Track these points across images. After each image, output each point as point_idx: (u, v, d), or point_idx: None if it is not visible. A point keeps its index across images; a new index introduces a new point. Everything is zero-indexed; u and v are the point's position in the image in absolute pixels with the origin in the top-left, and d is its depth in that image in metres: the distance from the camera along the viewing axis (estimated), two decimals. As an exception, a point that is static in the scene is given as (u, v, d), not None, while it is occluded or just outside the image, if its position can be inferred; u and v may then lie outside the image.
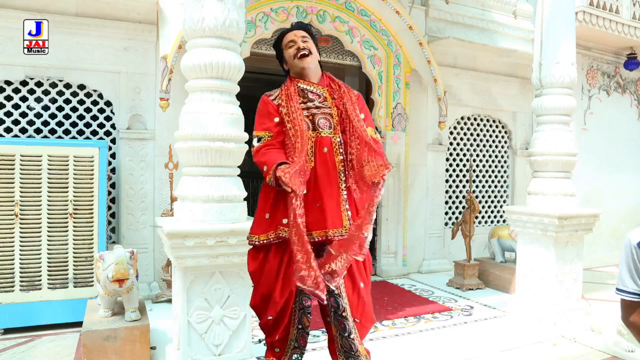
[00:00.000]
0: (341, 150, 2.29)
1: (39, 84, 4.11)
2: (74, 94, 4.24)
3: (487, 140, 6.41)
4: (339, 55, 5.25)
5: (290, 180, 2.02)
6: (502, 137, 6.53)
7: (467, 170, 6.10)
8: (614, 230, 6.69)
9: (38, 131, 4.10)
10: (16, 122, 4.02)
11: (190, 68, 2.53)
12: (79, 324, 3.12)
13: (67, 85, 4.21)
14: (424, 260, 5.76)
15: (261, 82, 7.78)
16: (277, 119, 2.28)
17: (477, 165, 6.32)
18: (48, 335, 3.38)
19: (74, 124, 4.23)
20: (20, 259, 3.40)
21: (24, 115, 4.06)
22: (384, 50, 5.33)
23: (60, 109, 4.19)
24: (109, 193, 4.24)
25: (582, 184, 5.92)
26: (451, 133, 6.10)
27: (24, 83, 4.06)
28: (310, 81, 2.37)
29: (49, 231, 3.46)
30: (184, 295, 2.42)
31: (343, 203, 2.28)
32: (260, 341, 3.23)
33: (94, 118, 4.32)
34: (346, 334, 2.32)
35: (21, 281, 3.40)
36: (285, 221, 2.25)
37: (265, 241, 2.24)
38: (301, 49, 2.31)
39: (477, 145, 6.32)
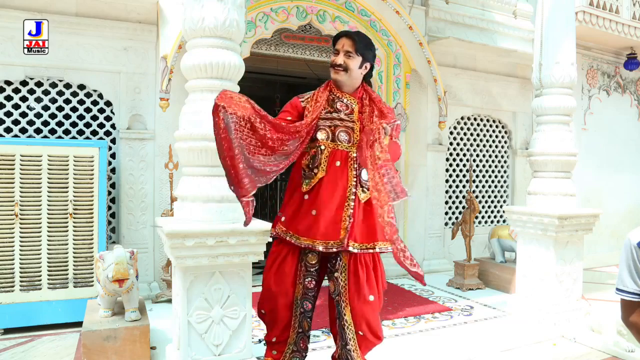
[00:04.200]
0: (356, 166, 2.31)
1: (39, 84, 4.11)
2: (74, 94, 4.24)
3: (487, 140, 6.41)
4: (339, 55, 5.25)
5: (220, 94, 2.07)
6: (502, 137, 6.53)
7: (467, 170, 6.10)
8: (614, 230, 6.69)
9: (38, 131, 4.10)
10: (16, 122, 4.02)
11: (190, 68, 2.53)
12: (79, 324, 3.12)
13: (67, 85, 4.21)
14: (424, 260, 5.76)
15: (261, 82, 7.80)
16: (289, 117, 2.34)
17: (477, 165, 6.32)
18: (48, 335, 3.38)
19: (74, 124, 4.23)
20: (20, 259, 3.40)
21: (24, 115, 4.06)
22: (384, 50, 5.33)
23: (60, 109, 4.19)
24: (109, 193, 4.24)
25: (582, 184, 5.92)
26: (451, 133, 6.10)
27: (24, 83, 4.06)
28: (343, 91, 2.39)
29: (49, 231, 3.46)
30: (184, 295, 2.42)
31: (345, 217, 2.26)
32: (260, 341, 3.24)
33: (94, 118, 4.32)
34: (343, 343, 2.33)
35: (21, 281, 3.40)
36: (282, 219, 2.31)
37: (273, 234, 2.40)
38: (337, 64, 2.33)
39: (477, 145, 6.32)
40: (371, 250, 2.28)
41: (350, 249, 2.24)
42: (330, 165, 2.28)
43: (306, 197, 2.28)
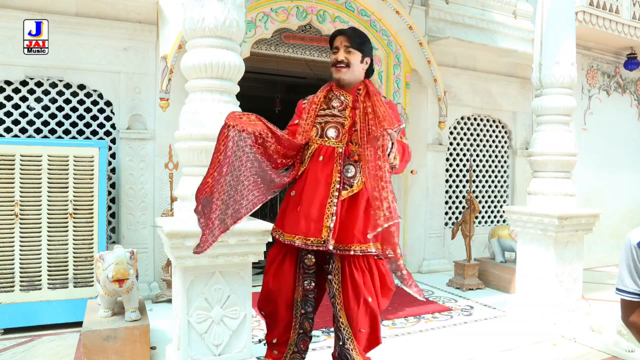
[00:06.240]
0: (340, 161, 2.25)
1: (39, 84, 4.11)
2: (74, 94, 4.24)
3: (487, 140, 6.41)
4: (339, 55, 5.25)
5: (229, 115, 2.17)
6: (502, 137, 6.53)
7: (467, 170, 6.10)
8: (614, 230, 6.69)
9: (38, 131, 4.10)
10: (16, 122, 4.02)
11: (190, 68, 2.53)
12: (79, 324, 3.12)
13: (67, 85, 4.21)
14: (424, 260, 5.76)
15: (261, 82, 7.79)
16: (297, 121, 2.39)
17: (477, 165, 6.32)
18: (48, 335, 3.38)
19: (74, 124, 4.23)
20: (20, 259, 3.40)
21: (24, 115, 4.06)
22: (384, 50, 5.33)
23: (60, 109, 4.19)
24: (109, 193, 4.24)
25: (582, 184, 5.92)
26: (451, 133, 6.10)
27: (24, 83, 4.06)
28: (342, 88, 2.38)
29: (49, 231, 3.46)
30: (184, 295, 2.42)
31: (328, 215, 2.19)
32: (260, 341, 3.24)
33: (94, 118, 4.32)
34: (341, 343, 2.33)
35: (21, 281, 3.40)
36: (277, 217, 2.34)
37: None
38: (339, 60, 2.31)
39: (477, 145, 6.32)
40: (345, 252, 2.22)
41: (330, 247, 2.19)
42: (313, 160, 2.27)
43: (292, 193, 2.30)
